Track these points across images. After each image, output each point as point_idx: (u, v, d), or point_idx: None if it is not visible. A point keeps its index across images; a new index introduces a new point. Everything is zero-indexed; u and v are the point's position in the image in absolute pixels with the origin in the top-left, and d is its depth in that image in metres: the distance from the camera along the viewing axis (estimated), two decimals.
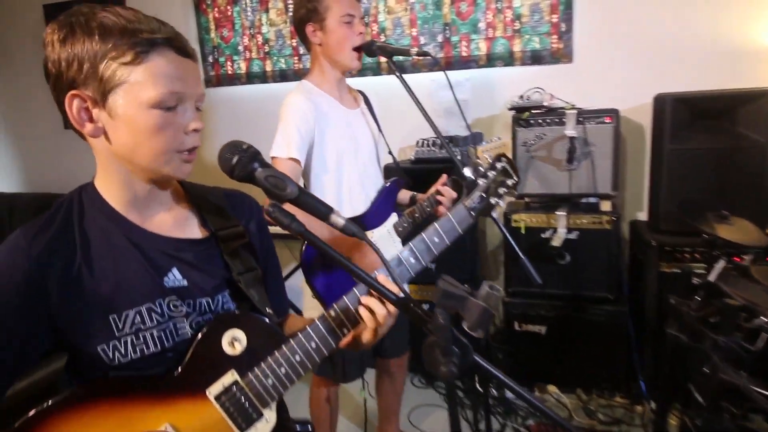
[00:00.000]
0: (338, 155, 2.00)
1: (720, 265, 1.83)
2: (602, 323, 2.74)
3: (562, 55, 3.02)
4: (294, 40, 3.49)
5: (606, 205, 2.78)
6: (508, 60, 3.12)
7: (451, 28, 3.19)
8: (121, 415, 0.97)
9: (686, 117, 2.56)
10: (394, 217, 2.10)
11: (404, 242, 2.07)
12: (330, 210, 0.97)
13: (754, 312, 1.63)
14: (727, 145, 2.49)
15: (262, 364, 1.06)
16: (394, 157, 2.31)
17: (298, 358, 1.07)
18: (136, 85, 0.93)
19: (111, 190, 1.04)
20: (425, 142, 3.07)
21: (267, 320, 1.10)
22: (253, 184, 0.97)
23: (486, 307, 0.89)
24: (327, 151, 1.98)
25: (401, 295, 1.01)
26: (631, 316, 2.72)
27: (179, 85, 0.96)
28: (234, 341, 1.05)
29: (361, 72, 3.32)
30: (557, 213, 2.74)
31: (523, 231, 2.82)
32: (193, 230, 1.13)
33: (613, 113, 2.69)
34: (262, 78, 3.61)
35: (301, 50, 3.47)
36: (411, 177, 2.97)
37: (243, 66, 3.65)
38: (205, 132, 3.93)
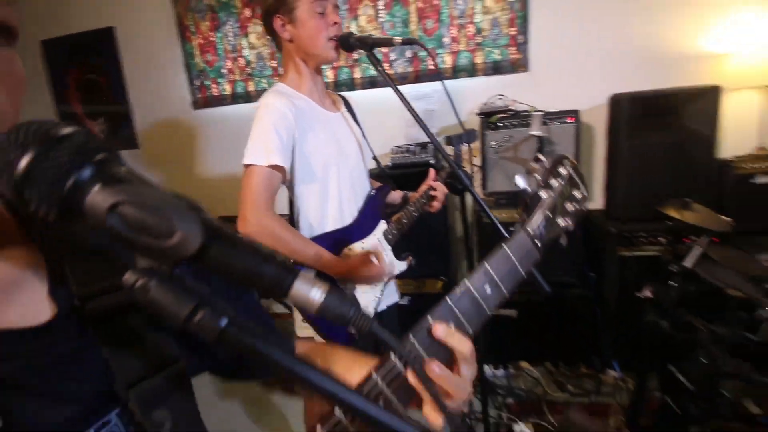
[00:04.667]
0: (324, 162, 1.57)
1: (697, 251, 1.63)
2: (568, 306, 2.57)
3: (519, 65, 2.82)
4: (274, 61, 3.20)
5: None
6: (472, 71, 2.91)
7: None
8: None
9: (639, 115, 2.39)
10: (383, 225, 1.73)
11: (394, 250, 1.74)
12: (291, 274, 0.39)
13: (753, 303, 1.43)
14: (676, 139, 2.34)
15: None
16: (378, 162, 1.99)
17: None
18: None
19: None
20: (400, 149, 2.83)
21: None
22: (77, 224, 0.35)
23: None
24: (311, 158, 1.54)
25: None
26: (595, 299, 2.55)
27: None
28: None
29: (337, 87, 3.06)
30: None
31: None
32: (29, 306, 0.47)
33: (575, 113, 2.52)
34: (246, 98, 3.31)
35: (281, 69, 3.18)
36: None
37: (227, 87, 3.34)
38: (194, 152, 3.64)
